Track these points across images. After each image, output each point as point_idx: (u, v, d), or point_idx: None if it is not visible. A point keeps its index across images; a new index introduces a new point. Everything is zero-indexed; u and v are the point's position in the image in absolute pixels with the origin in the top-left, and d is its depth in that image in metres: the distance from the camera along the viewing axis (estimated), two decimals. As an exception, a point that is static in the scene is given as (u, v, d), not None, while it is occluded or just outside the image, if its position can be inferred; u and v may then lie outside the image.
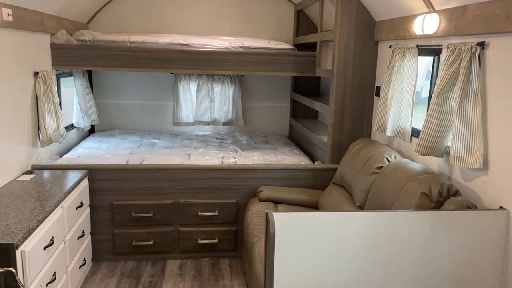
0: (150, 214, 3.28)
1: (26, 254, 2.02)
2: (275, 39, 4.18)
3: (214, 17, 4.42)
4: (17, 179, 2.83)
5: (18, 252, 1.97)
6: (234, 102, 4.57)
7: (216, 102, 4.54)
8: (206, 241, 3.38)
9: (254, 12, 4.45)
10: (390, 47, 2.90)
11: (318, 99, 3.98)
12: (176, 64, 3.54)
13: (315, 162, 3.62)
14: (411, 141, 2.80)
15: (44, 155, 3.29)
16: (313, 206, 3.20)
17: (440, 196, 2.10)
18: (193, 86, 4.49)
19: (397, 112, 2.82)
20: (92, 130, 4.50)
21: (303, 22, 4.41)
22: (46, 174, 2.99)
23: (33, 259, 2.10)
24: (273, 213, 1.81)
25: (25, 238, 2.04)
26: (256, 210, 3.06)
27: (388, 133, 2.88)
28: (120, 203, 3.25)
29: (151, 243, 3.33)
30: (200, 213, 3.34)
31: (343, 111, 3.31)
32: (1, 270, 1.30)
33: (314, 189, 3.33)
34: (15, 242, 1.94)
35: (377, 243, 1.91)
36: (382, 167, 2.66)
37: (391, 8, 2.86)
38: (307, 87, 4.54)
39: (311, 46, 3.94)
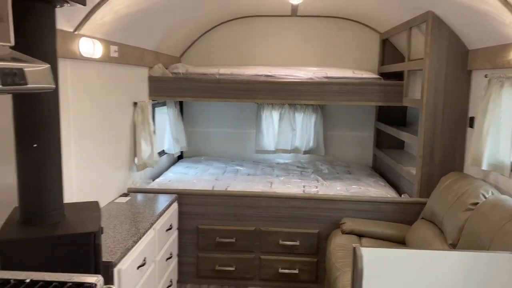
0: (233, 240, 3.36)
1: (122, 272, 2.17)
2: (359, 68, 4.15)
3: (298, 48, 4.51)
4: (115, 201, 3.07)
5: (115, 270, 2.13)
6: (315, 131, 4.58)
7: (297, 130, 4.59)
8: (286, 271, 3.37)
9: (338, 43, 4.48)
10: (485, 76, 2.74)
11: (405, 129, 3.85)
12: (261, 94, 3.66)
13: (402, 195, 3.47)
14: (510, 176, 2.58)
15: (139, 179, 3.54)
16: (400, 242, 3.06)
17: (548, 239, 1.91)
18: (275, 115, 4.58)
19: (495, 145, 2.62)
20: (180, 156, 4.76)
21: (389, 51, 4.34)
22: (140, 197, 3.21)
23: (127, 278, 2.25)
24: (361, 247, 1.76)
25: (121, 257, 2.19)
26: (338, 242, 3.00)
27: (484, 167, 2.68)
28: (205, 227, 3.37)
29: (233, 268, 3.39)
30: (281, 242, 3.34)
31: (433, 142, 3.16)
32: (104, 286, 1.41)
33: (401, 224, 3.19)
34: (113, 261, 2.09)
35: (473, 287, 1.77)
36: (477, 203, 2.48)
37: (487, 36, 2.72)
38: (393, 116, 4.41)
39: (397, 75, 3.85)
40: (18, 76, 1.06)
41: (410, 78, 3.55)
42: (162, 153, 4.30)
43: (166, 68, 3.85)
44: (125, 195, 3.22)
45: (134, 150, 3.43)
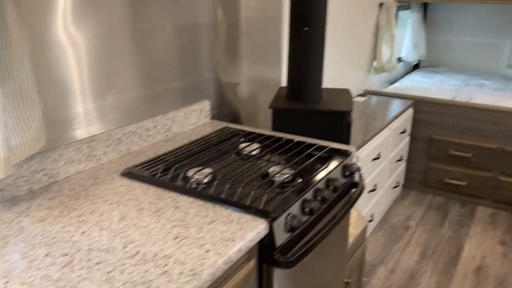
0: (469, 155, 3.17)
1: (361, 159, 2.36)
2: None
3: None
4: (353, 100, 3.23)
5: (356, 155, 2.33)
6: None
7: None
8: (529, 197, 3.04)
9: None
10: None
11: None
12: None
13: None
14: None
15: (375, 82, 3.60)
16: None
17: None
18: (543, 23, 3.83)
19: None
20: (416, 66, 4.56)
21: None
22: (375, 98, 3.29)
23: (364, 165, 2.44)
24: None
25: (361, 146, 2.37)
26: None
27: None
28: (439, 138, 3.26)
29: (464, 183, 3.24)
30: (528, 166, 2.99)
31: None
32: (353, 162, 1.58)
33: None
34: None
35: None
36: None
37: None
38: None
39: None
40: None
41: None
42: (398, 60, 4.20)
43: (417, -33, 3.59)
44: (362, 95, 3.35)
45: (374, 53, 3.45)
